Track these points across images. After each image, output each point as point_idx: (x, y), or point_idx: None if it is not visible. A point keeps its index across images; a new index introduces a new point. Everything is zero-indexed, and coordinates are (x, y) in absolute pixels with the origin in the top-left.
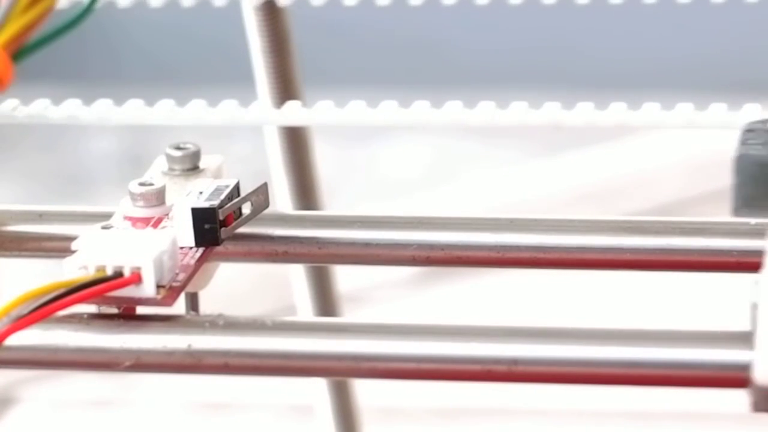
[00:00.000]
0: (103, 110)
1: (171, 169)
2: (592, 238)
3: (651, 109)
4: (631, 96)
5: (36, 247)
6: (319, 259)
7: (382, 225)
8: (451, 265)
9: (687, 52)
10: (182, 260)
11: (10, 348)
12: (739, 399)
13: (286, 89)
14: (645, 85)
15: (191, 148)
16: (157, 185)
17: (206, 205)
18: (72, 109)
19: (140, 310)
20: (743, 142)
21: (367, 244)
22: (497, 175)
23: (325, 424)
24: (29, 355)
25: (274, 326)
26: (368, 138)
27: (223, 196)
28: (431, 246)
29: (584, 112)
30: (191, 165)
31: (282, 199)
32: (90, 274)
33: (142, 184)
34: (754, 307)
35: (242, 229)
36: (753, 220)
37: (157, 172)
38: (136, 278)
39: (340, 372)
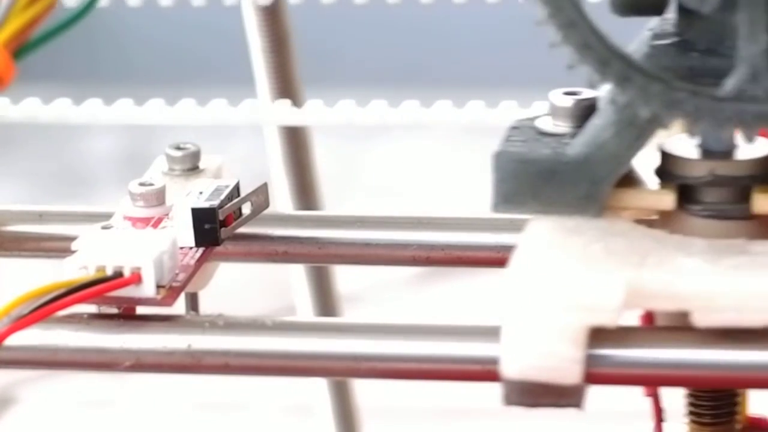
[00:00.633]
0: (95, 110)
1: (171, 169)
2: None
3: None
4: None
5: (36, 247)
6: (319, 259)
7: (382, 225)
8: (451, 265)
9: None
10: (182, 260)
11: (10, 348)
12: None
13: (286, 89)
14: None
15: (191, 148)
16: (157, 185)
17: (206, 205)
18: (63, 108)
19: (140, 310)
20: (506, 139)
21: (367, 244)
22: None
23: (325, 424)
24: (29, 355)
25: (274, 326)
26: (369, 137)
27: (223, 196)
28: (431, 246)
29: None
30: (191, 165)
31: (282, 199)
32: (90, 274)
33: (142, 184)
34: (501, 301)
35: (242, 229)
36: (512, 216)
37: (157, 173)
38: (136, 278)
39: (340, 372)
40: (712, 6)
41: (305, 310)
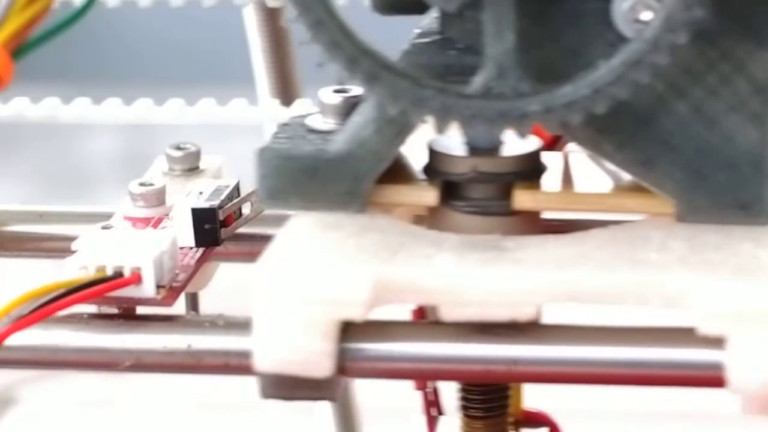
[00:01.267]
0: (112, 109)
1: (171, 170)
2: None
3: None
4: None
5: (36, 247)
6: None
7: None
8: None
9: None
10: (182, 260)
11: (10, 348)
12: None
13: (286, 89)
14: None
15: (191, 148)
16: (157, 185)
17: (206, 205)
18: (55, 108)
19: (140, 310)
20: (273, 136)
21: None
22: None
23: (325, 424)
24: (29, 355)
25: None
26: None
27: (223, 197)
28: None
29: None
30: (191, 165)
31: None
32: (90, 274)
33: (142, 185)
34: (252, 295)
35: (242, 229)
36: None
37: (157, 173)
38: (136, 278)
39: (424, 374)
40: (457, 5)
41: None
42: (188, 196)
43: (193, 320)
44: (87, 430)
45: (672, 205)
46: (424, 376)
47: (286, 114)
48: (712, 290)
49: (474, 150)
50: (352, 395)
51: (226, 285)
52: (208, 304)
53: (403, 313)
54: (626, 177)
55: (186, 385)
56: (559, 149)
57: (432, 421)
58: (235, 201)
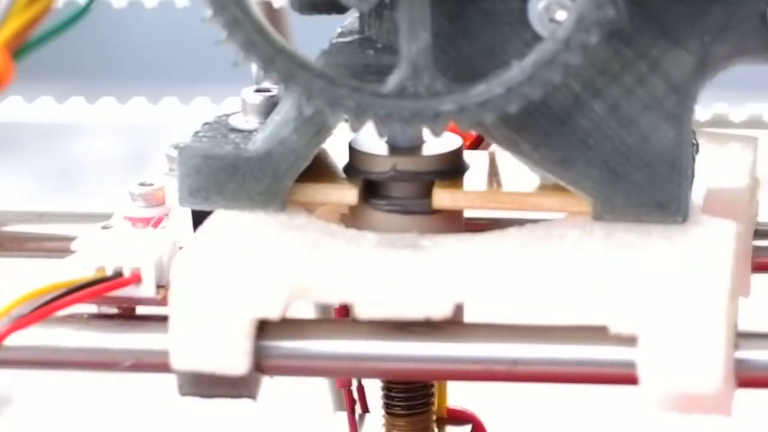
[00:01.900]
0: (106, 109)
1: (171, 170)
2: None
3: None
4: None
5: (36, 247)
6: None
7: None
8: None
9: None
10: None
11: (10, 348)
12: None
13: None
14: None
15: None
16: (157, 185)
17: None
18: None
19: (140, 310)
20: (194, 135)
21: None
22: None
23: (325, 424)
24: (29, 355)
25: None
26: None
27: None
28: None
29: None
30: None
31: None
32: (90, 274)
33: (142, 185)
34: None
35: None
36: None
37: (157, 173)
38: (136, 278)
39: (340, 372)
40: (371, 5)
41: (305, 310)
42: None
43: None
44: (86, 430)
45: (589, 203)
46: (340, 373)
47: None
48: (625, 288)
49: (395, 149)
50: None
51: None
52: None
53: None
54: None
55: None
56: (485, 148)
57: (353, 420)
58: None
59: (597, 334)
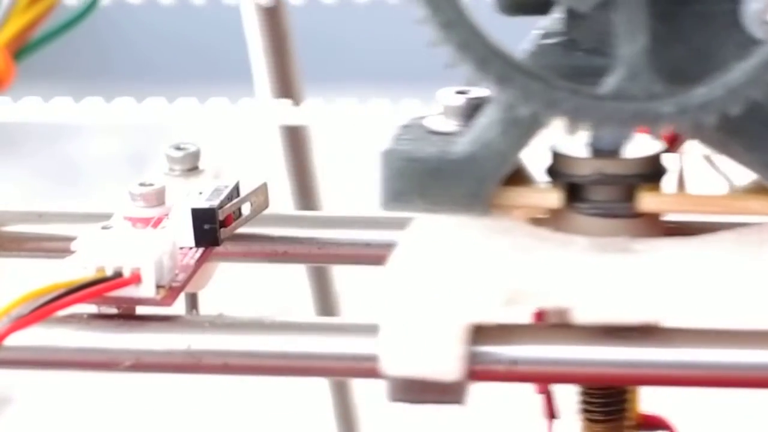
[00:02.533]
0: (95, 108)
1: (171, 170)
2: None
3: None
4: None
5: (36, 247)
6: (319, 259)
7: (382, 225)
8: None
9: None
10: (182, 260)
11: (10, 348)
12: None
13: (286, 89)
14: None
15: (191, 148)
16: (157, 185)
17: (206, 205)
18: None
19: (140, 310)
20: (395, 138)
21: (367, 245)
22: None
23: (325, 424)
24: (29, 355)
25: (273, 326)
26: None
27: (222, 197)
28: None
29: None
30: (191, 165)
31: (282, 200)
32: (90, 274)
33: (142, 185)
34: (380, 298)
35: (242, 230)
36: (398, 214)
37: (157, 173)
38: (136, 278)
39: (340, 372)
40: (590, 5)
41: (305, 310)
42: (188, 196)
43: (193, 320)
44: (86, 430)
45: None
46: (554, 379)
47: (287, 114)
48: None
49: (598, 152)
50: (351, 395)
51: (225, 285)
52: (208, 304)
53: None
54: (739, 179)
55: (186, 385)
56: (676, 151)
57: (551, 426)
58: (234, 201)
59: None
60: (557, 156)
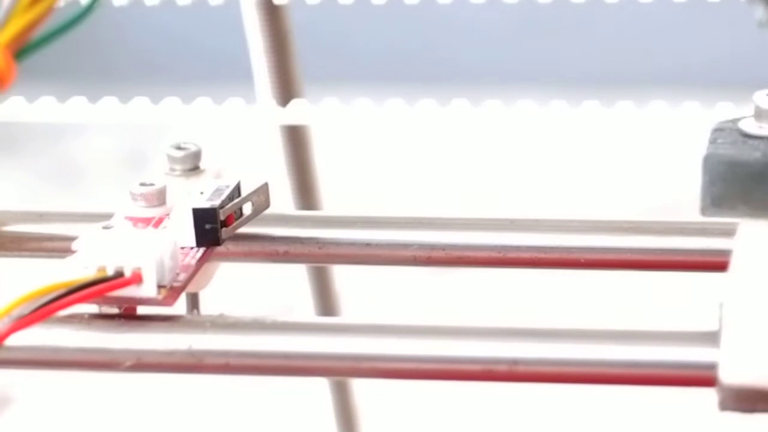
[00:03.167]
0: (106, 109)
1: (172, 169)
2: (592, 238)
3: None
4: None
5: (36, 247)
6: (319, 259)
7: (382, 225)
8: (451, 265)
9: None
10: (183, 260)
11: (10, 348)
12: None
13: (286, 88)
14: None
15: (192, 148)
16: (158, 185)
17: (207, 205)
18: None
19: (141, 310)
20: (712, 142)
21: (367, 244)
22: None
23: (325, 424)
24: (30, 355)
25: (274, 326)
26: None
27: (223, 197)
28: (432, 246)
29: (590, 110)
30: (192, 165)
31: (282, 199)
32: (91, 274)
33: (143, 185)
34: (721, 306)
35: (243, 230)
36: (721, 220)
37: (158, 173)
38: (137, 278)
39: (340, 372)
40: None
41: (305, 310)
42: (189, 196)
43: (194, 320)
44: (87, 430)
45: None
46: None
47: (288, 113)
48: None
49: None
50: (352, 395)
51: (226, 285)
52: (208, 304)
53: None
54: None
55: (186, 385)
56: None
57: None
58: (235, 201)
59: None
60: None
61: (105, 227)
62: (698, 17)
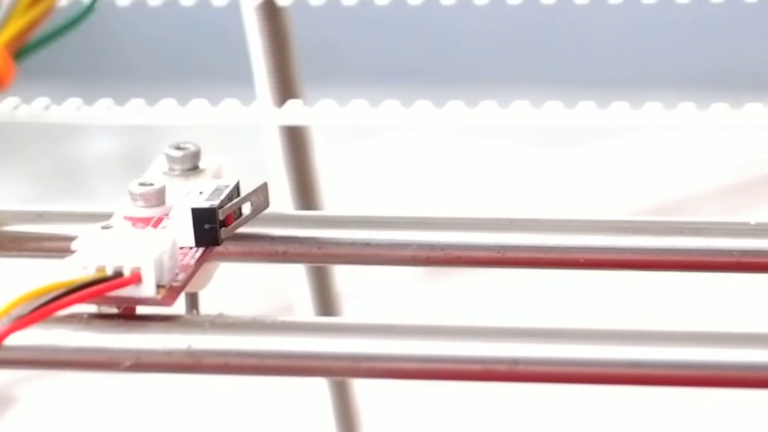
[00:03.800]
0: (101, 110)
1: (171, 169)
2: (592, 238)
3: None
4: (633, 95)
5: (36, 247)
6: (319, 259)
7: (382, 225)
8: (451, 265)
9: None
10: (182, 260)
11: (10, 348)
12: None
13: (286, 88)
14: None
15: (191, 148)
16: (157, 185)
17: (206, 205)
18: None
19: (140, 310)
20: None
21: (367, 244)
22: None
23: (325, 424)
24: (29, 355)
25: (274, 326)
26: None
27: (223, 196)
28: (431, 246)
29: (587, 111)
30: (191, 165)
31: (282, 199)
32: (90, 274)
33: (142, 184)
34: None
35: (242, 229)
36: (752, 221)
37: (157, 172)
38: (136, 278)
39: (340, 372)
40: None
41: (305, 310)
42: (188, 196)
43: (193, 320)
44: (87, 430)
45: None
46: None
47: (287, 113)
48: None
49: None
50: (352, 395)
51: (225, 285)
52: (207, 304)
53: None
54: None
55: (186, 385)
56: None
57: None
58: (235, 201)
59: None
60: None
61: (104, 227)
62: (698, 17)
